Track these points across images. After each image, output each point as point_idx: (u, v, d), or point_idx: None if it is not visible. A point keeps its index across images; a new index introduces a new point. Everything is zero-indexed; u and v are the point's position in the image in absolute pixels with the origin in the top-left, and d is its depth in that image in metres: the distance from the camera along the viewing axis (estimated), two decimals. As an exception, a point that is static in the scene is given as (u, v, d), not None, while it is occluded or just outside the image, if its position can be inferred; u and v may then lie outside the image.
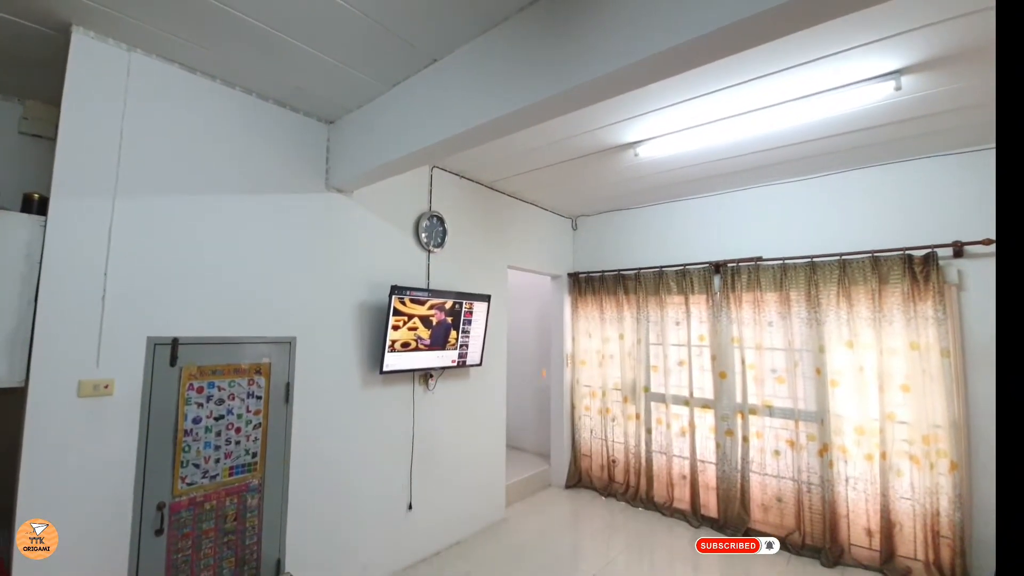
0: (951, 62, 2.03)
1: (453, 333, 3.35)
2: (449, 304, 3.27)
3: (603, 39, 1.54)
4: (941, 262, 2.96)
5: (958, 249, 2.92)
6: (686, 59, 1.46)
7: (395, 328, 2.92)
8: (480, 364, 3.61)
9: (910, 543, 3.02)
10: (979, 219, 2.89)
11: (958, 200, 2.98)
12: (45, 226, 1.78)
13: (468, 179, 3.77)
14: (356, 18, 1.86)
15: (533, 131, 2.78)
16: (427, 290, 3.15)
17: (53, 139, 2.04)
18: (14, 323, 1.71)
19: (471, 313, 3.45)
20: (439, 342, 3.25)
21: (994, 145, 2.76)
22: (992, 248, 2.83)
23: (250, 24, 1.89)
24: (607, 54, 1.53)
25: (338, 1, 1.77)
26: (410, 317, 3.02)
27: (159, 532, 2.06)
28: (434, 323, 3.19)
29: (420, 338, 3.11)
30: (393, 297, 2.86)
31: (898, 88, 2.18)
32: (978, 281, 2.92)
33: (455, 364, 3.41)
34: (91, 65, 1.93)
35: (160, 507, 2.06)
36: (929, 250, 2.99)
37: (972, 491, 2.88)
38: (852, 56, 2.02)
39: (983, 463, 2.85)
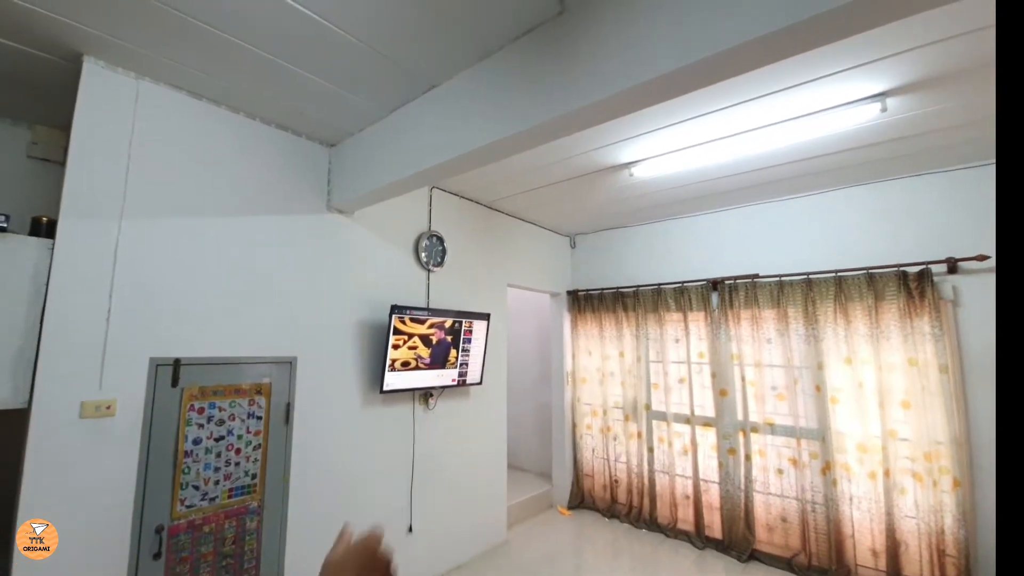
0: (936, 84, 2.06)
1: (453, 352, 3.32)
2: (449, 323, 3.26)
3: (595, 68, 1.58)
4: (936, 278, 2.95)
5: (952, 265, 2.92)
6: (676, 87, 1.49)
7: (395, 347, 2.90)
8: (480, 383, 3.57)
9: (916, 563, 2.93)
10: (972, 235, 2.89)
11: (951, 217, 2.99)
12: (53, 249, 1.79)
13: (467, 199, 3.80)
14: (355, 46, 1.90)
15: (530, 152, 2.78)
16: (427, 309, 3.14)
17: (61, 163, 2.07)
18: (19, 345, 1.70)
19: (471, 332, 3.43)
20: (439, 361, 3.22)
21: (985, 162, 2.88)
22: (986, 264, 2.83)
23: (253, 52, 1.93)
24: (600, 82, 1.56)
25: (337, 30, 1.81)
26: (410, 336, 3.00)
27: (157, 556, 2.00)
28: (434, 342, 3.16)
29: (420, 357, 3.08)
30: (393, 316, 2.85)
31: (884, 110, 2.21)
32: (973, 297, 2.90)
33: (455, 383, 3.37)
34: (101, 93, 1.97)
35: (159, 530, 2.02)
36: (923, 266, 2.98)
37: (975, 509, 2.80)
38: (838, 80, 2.06)
39: (985, 480, 2.80)
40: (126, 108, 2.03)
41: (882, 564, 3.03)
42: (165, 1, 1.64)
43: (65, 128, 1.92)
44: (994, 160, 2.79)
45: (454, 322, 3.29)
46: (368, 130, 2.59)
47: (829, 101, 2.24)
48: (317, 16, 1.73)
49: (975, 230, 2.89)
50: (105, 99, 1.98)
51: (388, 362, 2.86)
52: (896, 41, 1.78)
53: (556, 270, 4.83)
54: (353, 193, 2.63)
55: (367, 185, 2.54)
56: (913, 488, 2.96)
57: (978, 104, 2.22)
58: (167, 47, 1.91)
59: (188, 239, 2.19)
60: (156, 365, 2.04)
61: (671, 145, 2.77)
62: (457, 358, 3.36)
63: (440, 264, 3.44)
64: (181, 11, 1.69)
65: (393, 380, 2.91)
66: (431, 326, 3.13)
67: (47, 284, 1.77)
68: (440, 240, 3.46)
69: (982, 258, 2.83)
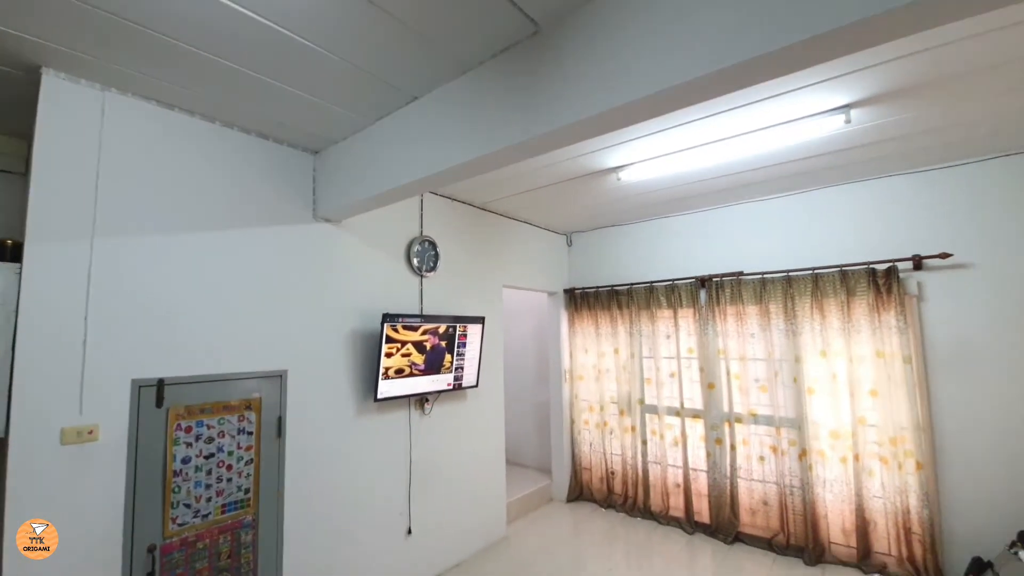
0: (895, 96, 2.17)
1: (448, 357, 3.28)
2: (443, 328, 3.21)
3: (567, 89, 1.58)
4: (902, 275, 3.09)
5: (917, 263, 3.04)
6: (644, 111, 1.51)
7: (388, 355, 2.85)
8: (476, 386, 3.54)
9: (884, 540, 3.13)
10: (935, 234, 3.04)
11: (916, 217, 3.12)
12: (20, 273, 1.71)
13: (460, 201, 3.73)
14: (331, 60, 1.84)
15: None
16: (420, 316, 3.09)
17: (23, 174, 1.96)
18: (-8, 375, 1.64)
19: (466, 336, 3.39)
20: (434, 366, 3.18)
21: (944, 165, 3.00)
22: (949, 261, 2.98)
23: (222, 64, 1.84)
24: (573, 103, 1.57)
25: (313, 47, 1.74)
26: (403, 343, 2.95)
27: (150, 575, 1.97)
28: (428, 348, 3.12)
29: (414, 364, 3.04)
30: (385, 325, 2.80)
31: (848, 121, 2.32)
32: (936, 292, 3.05)
33: (451, 387, 3.34)
34: (63, 106, 1.86)
35: (151, 549, 1.99)
36: (891, 264, 3.10)
37: (938, 489, 2.98)
38: (805, 93, 2.15)
39: (948, 462, 2.97)
40: (91, 120, 1.92)
41: (853, 542, 3.21)
42: (120, 14, 1.54)
43: (26, 137, 1.80)
44: (953, 163, 3.01)
45: (448, 327, 3.25)
46: (352, 138, 2.50)
47: (798, 112, 2.33)
48: (287, 31, 1.66)
49: (938, 229, 3.04)
50: (68, 112, 1.87)
51: (381, 370, 2.81)
52: (857, 59, 1.86)
53: (553, 269, 4.78)
54: (339, 202, 2.56)
55: (353, 195, 2.47)
56: (880, 471, 3.13)
57: (933, 114, 2.35)
58: (130, 59, 1.80)
59: (167, 256, 2.11)
60: (139, 387, 1.98)
61: (655, 151, 2.82)
62: (452, 363, 3.32)
63: (433, 269, 3.38)
64: (139, 24, 1.59)
65: (387, 388, 2.87)
66: (424, 332, 3.09)
67: (16, 311, 1.70)
68: (432, 245, 3.39)
69: (945, 256, 2.95)
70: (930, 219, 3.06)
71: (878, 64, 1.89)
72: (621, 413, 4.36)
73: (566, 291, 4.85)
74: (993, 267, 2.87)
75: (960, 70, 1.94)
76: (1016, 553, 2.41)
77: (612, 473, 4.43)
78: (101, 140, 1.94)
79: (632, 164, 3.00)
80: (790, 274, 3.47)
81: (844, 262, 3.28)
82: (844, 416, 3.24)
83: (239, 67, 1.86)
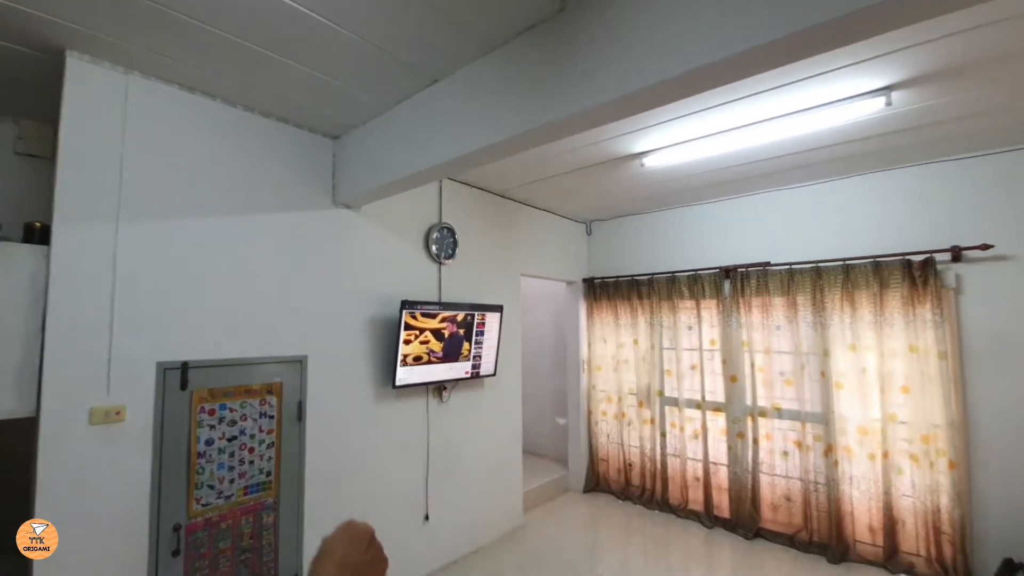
0: (937, 78, 2.01)
1: (466, 345, 3.21)
2: (461, 316, 3.13)
3: (593, 69, 1.50)
4: (939, 267, 2.90)
5: (956, 254, 2.86)
6: (672, 92, 1.43)
7: (407, 342, 2.79)
8: (494, 374, 3.46)
9: (912, 539, 2.98)
10: (976, 225, 2.83)
11: (956, 206, 2.92)
12: (48, 256, 1.70)
13: (478, 188, 3.61)
14: (353, 41, 1.77)
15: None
16: (438, 303, 3.02)
17: (49, 159, 1.95)
18: (21, 355, 1.63)
19: (483, 324, 3.31)
20: (452, 354, 3.11)
21: (990, 151, 2.75)
22: (990, 252, 2.77)
23: (245, 46, 1.78)
24: (598, 84, 1.48)
25: (333, 26, 1.67)
26: (421, 331, 2.89)
27: (176, 553, 1.97)
28: (446, 336, 3.05)
29: (432, 351, 2.97)
30: (404, 312, 2.73)
31: (888, 103, 2.16)
32: (975, 285, 2.85)
33: (469, 375, 3.26)
34: (87, 89, 1.83)
35: (176, 528, 1.98)
36: (928, 255, 2.92)
37: (971, 489, 2.83)
38: (842, 75, 2.01)
39: (982, 461, 2.80)
40: (115, 103, 1.89)
41: (879, 540, 3.07)
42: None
43: (52, 122, 1.77)
44: (995, 150, 2.78)
45: (466, 315, 3.17)
46: (371, 123, 2.43)
47: (834, 95, 2.18)
48: (308, 11, 1.59)
49: (979, 219, 2.83)
50: (92, 95, 1.84)
51: (400, 357, 2.75)
52: (897, 39, 1.73)
53: (572, 258, 4.64)
54: (358, 188, 2.49)
55: (372, 181, 2.39)
56: (910, 469, 2.98)
57: (980, 97, 2.17)
58: (152, 41, 1.76)
59: (190, 239, 2.07)
60: (164, 369, 1.96)
61: (681, 136, 2.67)
62: (470, 351, 3.24)
63: (452, 256, 3.29)
64: (162, 4, 1.54)
65: (405, 375, 2.81)
66: (443, 320, 3.01)
67: (46, 293, 1.68)
68: (451, 232, 3.31)
69: (986, 247, 2.75)
70: (970, 209, 2.86)
71: (922, 44, 1.75)
72: (640, 405, 4.21)
73: (585, 280, 4.70)
74: (1036, 260, 2.66)
75: (1007, 51, 1.78)
76: None
77: (630, 465, 4.30)
78: (125, 123, 1.91)
79: (657, 150, 2.85)
80: (820, 265, 3.28)
81: (877, 253, 3.08)
82: (873, 412, 3.08)
83: (261, 48, 1.80)
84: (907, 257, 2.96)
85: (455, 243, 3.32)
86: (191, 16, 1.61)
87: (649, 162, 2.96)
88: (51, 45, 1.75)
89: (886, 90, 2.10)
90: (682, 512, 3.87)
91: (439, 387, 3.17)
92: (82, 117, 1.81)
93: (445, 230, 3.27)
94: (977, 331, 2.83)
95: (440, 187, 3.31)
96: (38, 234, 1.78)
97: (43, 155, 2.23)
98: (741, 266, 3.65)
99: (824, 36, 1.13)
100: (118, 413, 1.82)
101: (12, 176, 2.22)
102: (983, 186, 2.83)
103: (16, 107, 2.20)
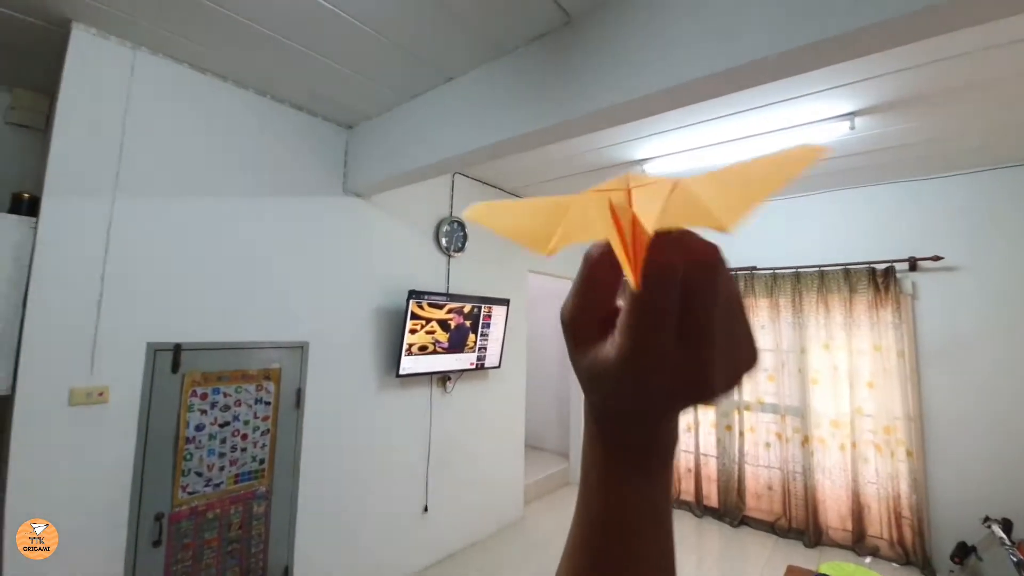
0: (896, 107, 2.18)
1: (472, 336, 3.08)
2: (468, 308, 3.01)
3: (597, 79, 1.59)
4: (899, 275, 3.17)
5: (912, 264, 3.12)
6: (664, 103, 1.53)
7: (412, 332, 2.67)
8: (499, 367, 3.35)
9: (877, 524, 3.16)
10: (930, 238, 3.10)
11: (913, 221, 3.19)
12: (36, 228, 1.57)
13: (490, 185, 3.51)
14: (371, 36, 1.72)
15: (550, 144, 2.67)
16: (446, 294, 2.90)
17: (41, 130, 1.84)
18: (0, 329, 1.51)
19: (490, 316, 3.18)
20: (457, 345, 2.99)
21: (940, 175, 3.14)
22: (940, 263, 3.05)
23: (261, 32, 1.69)
24: (602, 91, 1.57)
25: (351, 20, 1.62)
26: (427, 321, 2.76)
27: (157, 543, 1.86)
28: (452, 327, 2.92)
29: (438, 341, 2.85)
30: (411, 301, 2.61)
31: (852, 128, 2.31)
32: (928, 292, 3.11)
33: (473, 367, 3.14)
34: (91, 62, 1.72)
35: (159, 517, 1.87)
36: (889, 264, 3.17)
37: (927, 476, 3.02)
38: (814, 99, 2.15)
39: (935, 451, 3.01)
40: (120, 78, 1.78)
41: (848, 525, 3.24)
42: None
43: (47, 92, 1.66)
44: (948, 173, 3.06)
45: (473, 307, 3.04)
46: (386, 115, 2.37)
47: (806, 117, 2.32)
48: (327, 3, 1.53)
49: (932, 234, 3.10)
50: (96, 69, 1.73)
51: (405, 346, 2.64)
52: (863, 68, 1.86)
53: (577, 257, 4.41)
54: (370, 178, 2.40)
55: (384, 171, 2.32)
56: (874, 458, 3.18)
57: (933, 124, 2.36)
58: (163, 18, 1.66)
59: (190, 219, 1.96)
60: (155, 350, 1.85)
61: (678, 146, 2.79)
62: (476, 342, 3.12)
63: (461, 249, 3.18)
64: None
65: (410, 364, 2.69)
66: (449, 311, 2.89)
67: (30, 265, 1.56)
68: (461, 226, 3.18)
69: (936, 258, 3.04)
70: (925, 225, 3.14)
71: (884, 75, 1.90)
72: (640, 402, 4.17)
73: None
74: (980, 270, 2.93)
75: (958, 85, 1.95)
76: (990, 526, 2.51)
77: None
78: (129, 99, 1.80)
79: (656, 158, 2.94)
80: (799, 270, 3.50)
81: (847, 261, 3.33)
82: (844, 406, 3.28)
83: (276, 34, 1.74)
84: (872, 265, 3.21)
85: (465, 237, 3.21)
86: None
87: (650, 169, 3.02)
88: (57, 15, 1.65)
89: (851, 115, 2.24)
90: (675, 502, 3.92)
91: (443, 377, 3.06)
92: (83, 89, 1.71)
93: (456, 224, 3.15)
94: (930, 332, 3.08)
95: (452, 182, 3.21)
96: (26, 205, 1.66)
97: (35, 126, 2.09)
98: (731, 270, 3.55)
99: (805, 57, 1.24)
100: (101, 394, 1.71)
101: (1, 146, 2.07)
102: (936, 205, 3.10)
103: (10, 75, 2.06)
